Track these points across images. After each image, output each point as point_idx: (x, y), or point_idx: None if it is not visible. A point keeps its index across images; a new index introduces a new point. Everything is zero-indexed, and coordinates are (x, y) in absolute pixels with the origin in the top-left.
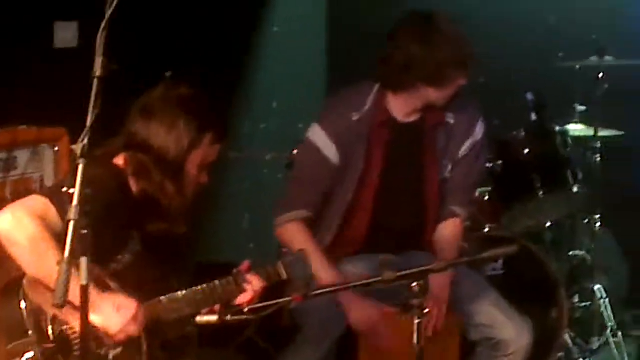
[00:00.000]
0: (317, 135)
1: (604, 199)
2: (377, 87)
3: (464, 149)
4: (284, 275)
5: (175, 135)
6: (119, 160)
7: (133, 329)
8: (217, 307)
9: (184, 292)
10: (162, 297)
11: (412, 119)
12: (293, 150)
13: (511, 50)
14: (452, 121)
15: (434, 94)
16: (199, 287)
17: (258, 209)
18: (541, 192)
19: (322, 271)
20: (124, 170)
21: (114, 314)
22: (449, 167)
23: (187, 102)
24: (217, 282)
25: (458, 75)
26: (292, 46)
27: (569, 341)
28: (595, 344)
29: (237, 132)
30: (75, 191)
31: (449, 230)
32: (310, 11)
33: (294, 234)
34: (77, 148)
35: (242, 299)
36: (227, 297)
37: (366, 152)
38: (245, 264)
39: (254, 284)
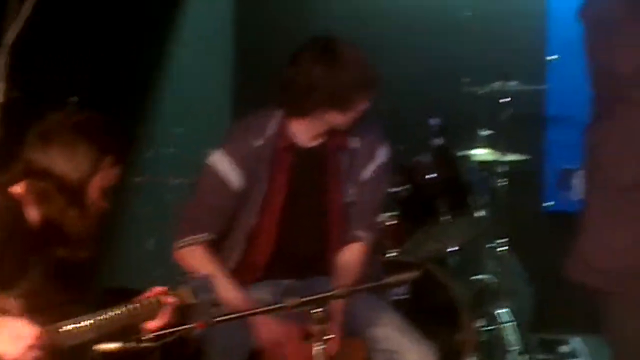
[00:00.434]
0: (220, 160)
1: (509, 223)
2: (280, 112)
3: (367, 173)
4: (189, 301)
5: (75, 161)
6: (18, 188)
7: (31, 356)
8: (121, 333)
9: (87, 317)
10: (64, 323)
11: (316, 143)
12: (198, 174)
13: (416, 74)
14: (355, 145)
15: (337, 118)
16: (104, 313)
17: (163, 233)
18: (446, 217)
19: (229, 294)
20: (22, 198)
21: (11, 340)
22: (352, 192)
23: (84, 126)
24: (122, 307)
25: (361, 99)
26: (198, 71)
27: None
28: None
29: (142, 157)
30: None
31: (351, 255)
32: (215, 36)
33: (195, 257)
34: None
35: (148, 325)
36: (133, 323)
37: (269, 177)
38: (155, 289)
39: (160, 310)
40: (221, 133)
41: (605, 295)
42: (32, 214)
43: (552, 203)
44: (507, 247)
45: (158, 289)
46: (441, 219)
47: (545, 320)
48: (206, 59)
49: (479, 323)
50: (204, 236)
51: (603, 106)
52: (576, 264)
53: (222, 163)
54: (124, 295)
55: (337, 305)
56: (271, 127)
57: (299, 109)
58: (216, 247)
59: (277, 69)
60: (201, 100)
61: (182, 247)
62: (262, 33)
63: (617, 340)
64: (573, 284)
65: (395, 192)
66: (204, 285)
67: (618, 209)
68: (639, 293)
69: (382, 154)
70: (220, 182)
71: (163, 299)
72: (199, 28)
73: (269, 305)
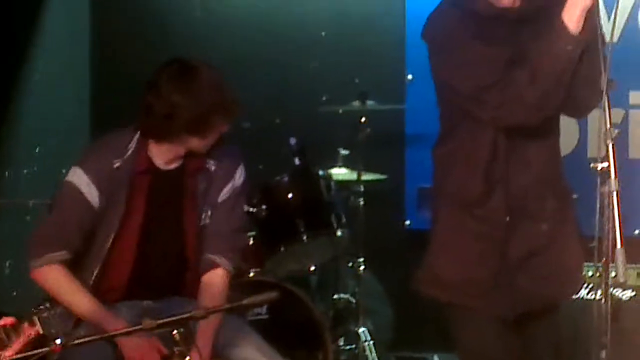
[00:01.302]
0: (78, 177)
1: (368, 243)
2: (138, 134)
3: (223, 195)
4: (40, 329)
5: None
6: None
7: None
8: None
9: None
10: None
11: (174, 165)
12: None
13: (275, 94)
14: (212, 167)
15: (196, 142)
16: None
17: (21, 256)
18: (305, 236)
19: (89, 312)
20: None
21: None
22: (209, 213)
23: None
24: None
25: (220, 122)
26: (55, 92)
27: None
28: None
29: (1, 179)
30: None
31: (213, 280)
32: (73, 56)
33: (53, 276)
34: None
35: (3, 352)
36: None
37: (127, 199)
38: (8, 320)
39: (10, 340)
40: (79, 153)
41: (454, 309)
42: None
43: (410, 222)
44: (366, 267)
45: (7, 319)
46: (301, 238)
47: (404, 339)
48: (63, 79)
49: (339, 342)
50: (61, 254)
51: (448, 125)
52: (425, 278)
53: (80, 181)
54: None
55: (208, 325)
56: (130, 148)
57: (158, 133)
58: (74, 266)
59: (136, 89)
60: (59, 120)
61: (39, 265)
62: (121, 52)
63: (467, 355)
64: (430, 301)
65: (255, 212)
66: (58, 311)
67: (463, 224)
68: (484, 306)
69: (239, 176)
70: (78, 199)
71: (11, 329)
72: (56, 48)
73: (128, 326)
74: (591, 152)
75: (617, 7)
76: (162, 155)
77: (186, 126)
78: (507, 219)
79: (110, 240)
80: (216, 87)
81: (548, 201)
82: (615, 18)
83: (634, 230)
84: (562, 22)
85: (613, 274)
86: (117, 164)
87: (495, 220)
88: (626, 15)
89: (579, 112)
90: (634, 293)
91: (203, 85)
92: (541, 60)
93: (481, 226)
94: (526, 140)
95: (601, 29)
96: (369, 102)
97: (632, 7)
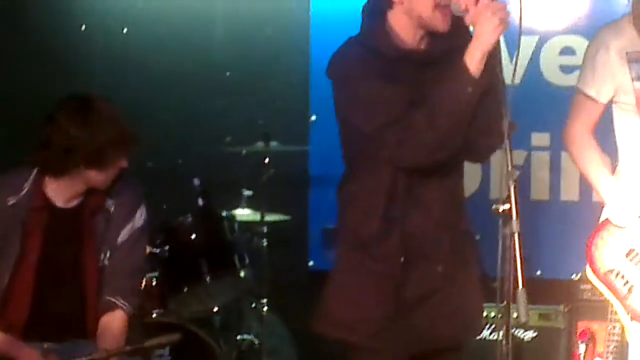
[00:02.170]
0: None
1: (271, 283)
2: (35, 171)
3: (122, 236)
4: None
5: None
6: None
7: None
8: None
9: None
10: None
11: (73, 204)
12: None
13: (179, 134)
14: (112, 207)
15: (95, 177)
16: None
17: None
18: (209, 277)
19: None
20: None
21: None
22: (108, 254)
23: None
24: None
25: (118, 157)
26: None
27: None
28: None
29: None
30: None
31: (112, 322)
32: None
33: None
34: None
35: None
36: None
37: (22, 238)
38: None
39: None
40: None
41: (352, 349)
42: None
43: (313, 263)
44: (269, 307)
45: None
46: (204, 279)
47: None
48: None
49: None
50: None
51: (351, 164)
52: (323, 317)
53: None
54: None
55: None
56: (26, 186)
57: (57, 168)
58: None
59: (33, 125)
60: None
61: None
62: (14, 89)
63: None
64: (333, 342)
65: (158, 253)
66: None
67: (360, 263)
68: (380, 346)
69: (139, 217)
70: None
71: None
72: None
73: None
74: (494, 194)
75: (519, 49)
76: (61, 193)
77: (85, 159)
78: (402, 259)
79: (6, 279)
80: (114, 121)
81: (447, 242)
82: (517, 60)
83: (536, 271)
84: (464, 64)
85: (515, 314)
86: (11, 202)
87: (391, 260)
88: (528, 57)
89: (481, 156)
90: (535, 334)
91: (101, 119)
92: (442, 101)
93: (378, 266)
94: (426, 180)
95: (502, 72)
96: (273, 143)
97: (534, 49)
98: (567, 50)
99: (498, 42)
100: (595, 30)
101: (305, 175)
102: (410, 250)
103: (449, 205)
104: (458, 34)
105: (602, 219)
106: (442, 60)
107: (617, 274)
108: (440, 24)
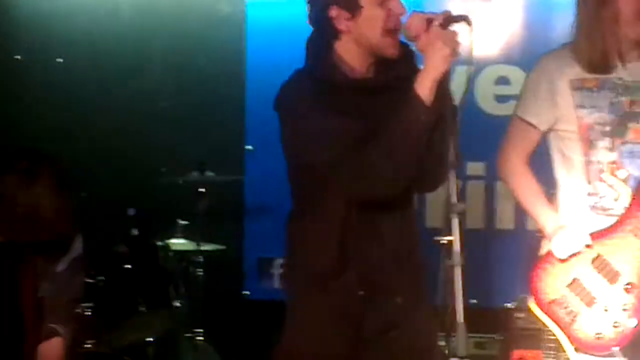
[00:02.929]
0: None
1: (206, 313)
2: None
3: (62, 265)
4: None
5: None
6: None
7: None
8: None
9: None
10: None
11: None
12: None
13: (114, 164)
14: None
15: None
16: None
17: None
18: (143, 307)
19: None
20: None
21: None
22: (47, 285)
23: None
24: None
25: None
26: None
27: None
28: None
29: None
30: None
31: (49, 350)
32: None
33: None
34: None
35: None
36: None
37: None
38: None
39: None
40: None
41: None
42: None
43: (249, 292)
44: (204, 337)
45: None
46: (138, 309)
47: None
48: None
49: None
50: None
51: (301, 199)
52: (281, 352)
53: None
54: None
55: None
56: None
57: None
58: None
59: None
60: None
61: None
62: None
63: None
64: None
65: (92, 283)
66: None
67: (317, 298)
68: None
69: (77, 246)
70: None
71: None
72: None
73: None
74: (429, 221)
75: (451, 79)
76: None
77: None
78: (361, 292)
79: None
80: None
81: (403, 275)
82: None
83: (471, 299)
84: (415, 92)
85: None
86: None
87: (348, 294)
88: (462, 87)
89: (432, 186)
90: None
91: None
92: (395, 131)
93: (335, 300)
94: (380, 213)
95: (454, 100)
96: (208, 173)
97: (468, 79)
98: (502, 80)
99: (448, 70)
100: (530, 60)
101: (240, 205)
102: (367, 284)
103: (403, 237)
104: (406, 61)
105: (543, 250)
106: (393, 87)
107: (561, 305)
108: (390, 49)
